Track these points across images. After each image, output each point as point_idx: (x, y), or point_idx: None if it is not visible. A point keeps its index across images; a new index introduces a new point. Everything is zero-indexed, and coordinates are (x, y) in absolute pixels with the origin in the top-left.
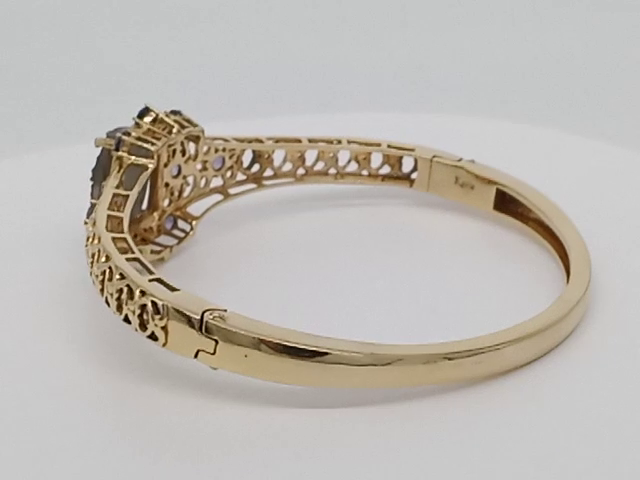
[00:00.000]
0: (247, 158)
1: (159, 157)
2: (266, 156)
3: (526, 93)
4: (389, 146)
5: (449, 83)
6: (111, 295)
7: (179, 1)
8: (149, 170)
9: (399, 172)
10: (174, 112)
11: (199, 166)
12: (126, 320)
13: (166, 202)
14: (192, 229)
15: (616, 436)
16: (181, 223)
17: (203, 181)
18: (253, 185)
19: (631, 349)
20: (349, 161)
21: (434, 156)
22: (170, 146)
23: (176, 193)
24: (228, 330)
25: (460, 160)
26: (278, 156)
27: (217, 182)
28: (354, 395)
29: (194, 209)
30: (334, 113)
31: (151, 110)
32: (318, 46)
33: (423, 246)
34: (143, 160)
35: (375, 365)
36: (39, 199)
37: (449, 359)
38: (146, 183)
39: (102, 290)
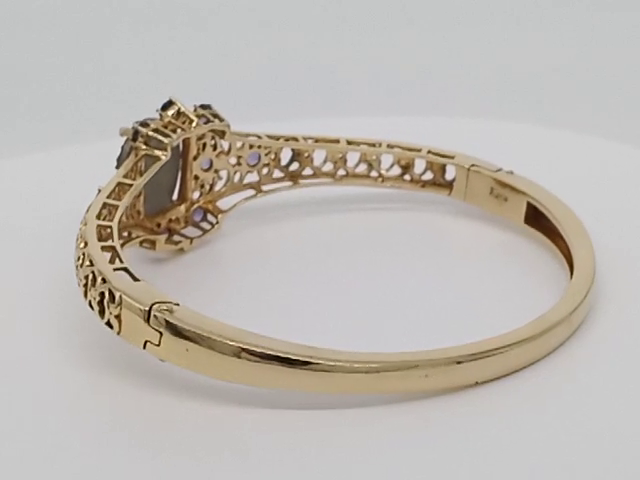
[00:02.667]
0: (286, 156)
1: (186, 149)
2: (306, 155)
3: (547, 96)
4: (429, 152)
5: (478, 87)
6: (81, 280)
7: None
8: (161, 161)
9: (441, 179)
10: (203, 106)
11: (233, 161)
12: (90, 306)
13: (196, 194)
14: (217, 222)
15: (619, 437)
16: (210, 216)
17: (237, 176)
18: (289, 183)
19: (633, 351)
20: (392, 165)
21: (472, 165)
22: (199, 139)
23: (207, 186)
24: (170, 323)
25: (498, 171)
26: (319, 156)
27: (252, 178)
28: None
29: (225, 203)
30: (362, 117)
31: (174, 103)
32: (331, 49)
33: (444, 254)
34: (156, 151)
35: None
36: (44, 199)
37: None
38: (176, 174)
39: (77, 275)
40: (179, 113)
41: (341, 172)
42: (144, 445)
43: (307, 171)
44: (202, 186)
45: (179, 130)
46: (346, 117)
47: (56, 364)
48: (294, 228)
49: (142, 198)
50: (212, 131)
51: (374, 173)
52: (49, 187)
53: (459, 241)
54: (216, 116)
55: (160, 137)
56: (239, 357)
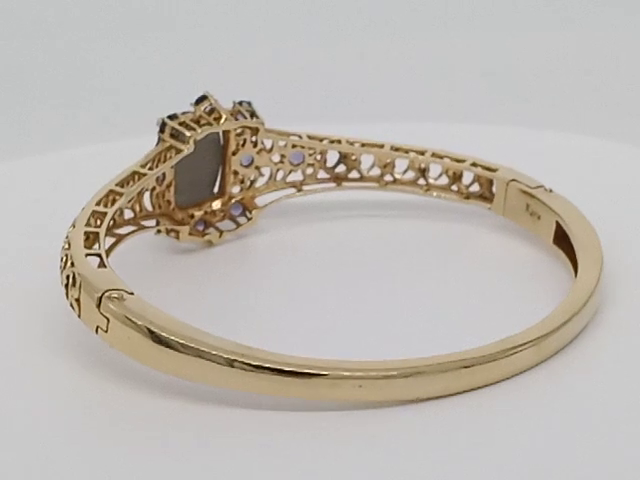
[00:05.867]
0: (332, 158)
1: (226, 143)
2: (353, 158)
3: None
4: (473, 164)
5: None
6: (60, 262)
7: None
8: (182, 154)
9: (487, 192)
10: (241, 103)
11: (276, 159)
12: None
13: (235, 189)
14: (251, 218)
15: (625, 437)
16: (247, 211)
17: (280, 174)
18: (332, 184)
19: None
20: (440, 174)
21: (512, 180)
22: (239, 135)
23: (247, 182)
24: (115, 311)
25: (537, 187)
26: (366, 160)
27: (295, 177)
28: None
29: (265, 200)
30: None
31: (207, 97)
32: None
33: (461, 268)
34: (179, 144)
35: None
36: (47, 199)
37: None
38: (217, 168)
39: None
40: (213, 108)
41: (388, 178)
42: (133, 446)
43: (353, 174)
44: (242, 181)
45: (206, 124)
46: (368, 123)
47: (51, 364)
48: (332, 230)
49: (172, 188)
50: (246, 128)
51: (422, 181)
52: (50, 188)
53: (482, 255)
54: (253, 113)
55: (184, 130)
56: (177, 349)
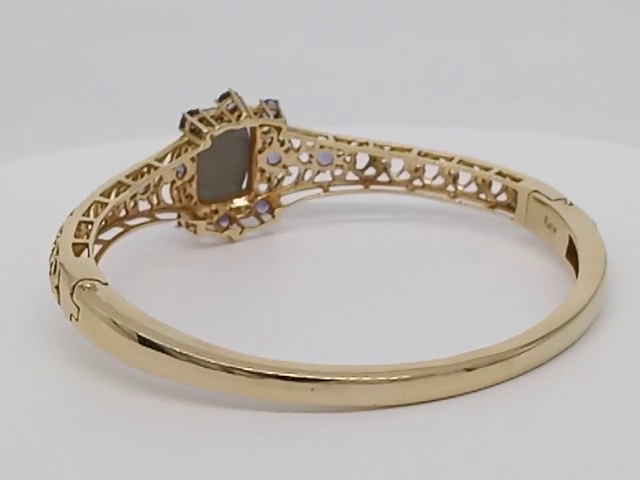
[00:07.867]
0: (362, 160)
1: (253, 141)
2: (383, 161)
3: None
4: (499, 173)
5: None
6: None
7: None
8: (197, 149)
9: (514, 202)
10: (267, 101)
11: (304, 158)
12: None
13: (262, 187)
14: (273, 217)
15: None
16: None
17: (308, 174)
18: (360, 187)
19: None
20: (469, 182)
21: (533, 191)
22: (265, 133)
23: (274, 180)
24: (85, 300)
25: (557, 200)
26: (396, 164)
27: (324, 177)
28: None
29: (291, 199)
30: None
31: (230, 94)
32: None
33: (470, 278)
34: (196, 140)
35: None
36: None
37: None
38: (244, 165)
39: None
40: (235, 105)
41: (417, 182)
42: (127, 447)
43: (383, 177)
44: (269, 179)
45: (225, 121)
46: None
47: (46, 359)
48: (353, 232)
49: (194, 183)
50: (270, 126)
51: (451, 188)
52: (50, 189)
53: (498, 266)
54: (277, 112)
55: (201, 126)
56: (139, 342)
